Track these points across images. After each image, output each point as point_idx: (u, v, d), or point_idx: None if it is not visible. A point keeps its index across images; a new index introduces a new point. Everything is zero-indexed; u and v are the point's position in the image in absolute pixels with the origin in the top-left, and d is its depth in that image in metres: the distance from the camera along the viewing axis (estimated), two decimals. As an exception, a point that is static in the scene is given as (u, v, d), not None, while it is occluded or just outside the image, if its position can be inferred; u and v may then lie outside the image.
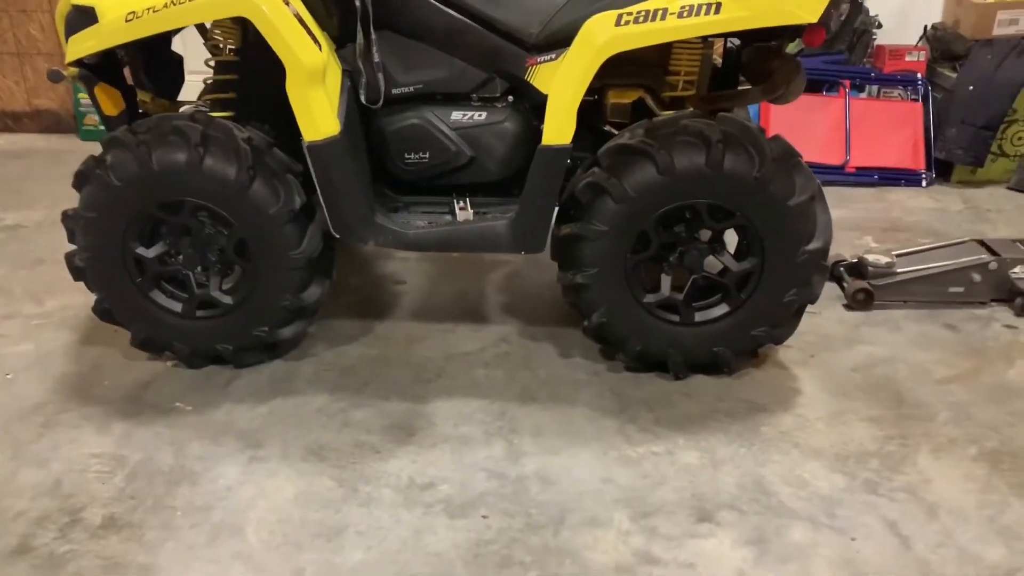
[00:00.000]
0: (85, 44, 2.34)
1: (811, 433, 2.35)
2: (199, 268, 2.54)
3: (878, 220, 3.84)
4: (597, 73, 2.42)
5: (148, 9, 2.26)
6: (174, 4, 2.24)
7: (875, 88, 4.39)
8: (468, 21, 2.50)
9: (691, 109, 2.51)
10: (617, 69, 2.50)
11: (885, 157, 4.26)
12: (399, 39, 2.56)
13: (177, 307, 2.55)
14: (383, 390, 2.54)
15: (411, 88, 2.59)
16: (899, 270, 3.01)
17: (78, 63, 2.46)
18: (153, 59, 2.73)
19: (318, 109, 2.30)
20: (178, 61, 2.95)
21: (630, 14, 2.21)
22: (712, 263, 2.46)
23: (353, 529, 2.01)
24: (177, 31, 2.57)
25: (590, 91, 2.57)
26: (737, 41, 2.71)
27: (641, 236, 2.39)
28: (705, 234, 2.44)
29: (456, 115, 2.59)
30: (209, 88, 2.75)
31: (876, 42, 4.50)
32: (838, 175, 4.23)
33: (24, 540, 1.97)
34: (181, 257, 2.52)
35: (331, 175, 2.38)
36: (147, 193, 2.39)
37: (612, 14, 2.22)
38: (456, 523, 2.03)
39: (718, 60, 2.76)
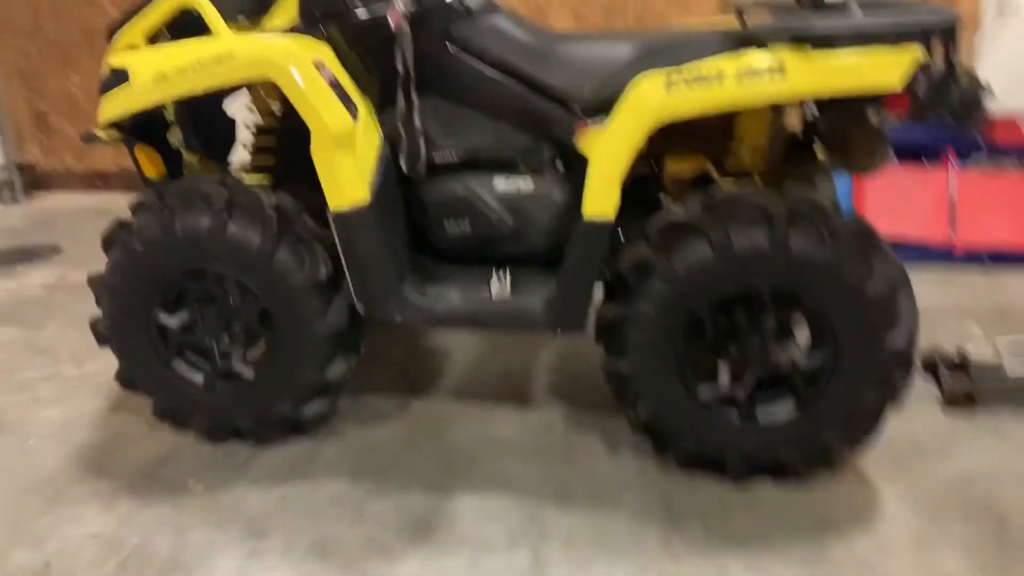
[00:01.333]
0: (116, 105, 2.28)
1: (891, 560, 1.99)
2: (224, 339, 2.40)
3: (986, 306, 3.42)
4: (653, 139, 2.21)
5: (177, 71, 2.18)
6: (201, 67, 2.15)
7: (985, 160, 3.98)
8: (514, 84, 2.33)
9: (758, 182, 2.25)
10: (676, 135, 2.29)
11: (996, 236, 3.83)
12: (442, 103, 2.40)
13: (199, 378, 2.42)
14: (406, 478, 2.32)
15: (453, 155, 2.42)
16: (1008, 368, 2.61)
17: (116, 125, 2.41)
18: (203, 120, 2.67)
19: (344, 176, 2.16)
20: (230, 122, 2.88)
21: (680, 74, 1.98)
22: (779, 355, 2.16)
23: (344, 644, 1.78)
24: (229, 92, 2.50)
25: (647, 159, 2.36)
26: (814, 109, 2.44)
27: (695, 322, 2.12)
28: (770, 321, 2.15)
29: (500, 183, 2.40)
30: (251, 151, 2.67)
31: (987, 110, 4.10)
32: (941, 255, 3.82)
33: (-4, 631, 1.82)
34: (205, 326, 2.40)
35: (357, 245, 2.22)
36: (170, 259, 2.29)
37: (661, 75, 2.00)
38: (460, 646, 1.77)
39: (795, 127, 2.49)
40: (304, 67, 2.11)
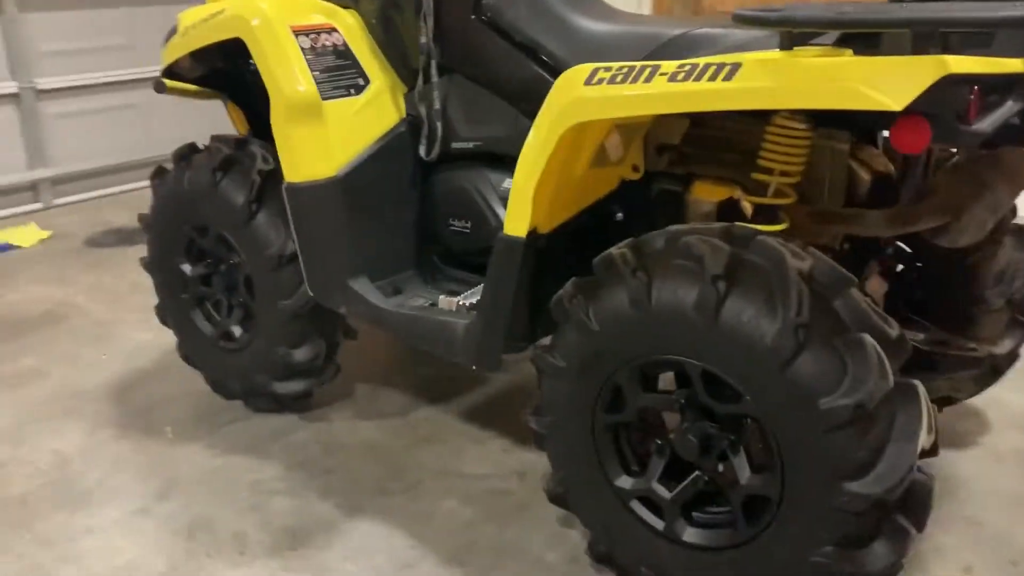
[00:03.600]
0: (165, 55, 2.38)
1: None
2: (227, 299, 2.42)
3: None
4: (679, 156, 1.80)
5: (191, 26, 2.20)
6: (202, 23, 2.15)
7: None
8: (540, 69, 1.98)
9: (781, 225, 1.66)
10: (709, 152, 1.80)
11: None
12: (468, 85, 2.14)
13: (208, 331, 2.46)
14: (335, 486, 2.13)
15: (471, 144, 2.15)
16: None
17: (172, 75, 2.46)
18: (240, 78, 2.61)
19: (300, 147, 2.01)
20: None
21: (608, 70, 1.50)
22: (710, 462, 1.58)
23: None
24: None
25: (675, 178, 1.88)
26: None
27: (615, 389, 1.63)
28: (699, 411, 1.57)
29: (508, 184, 2.07)
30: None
31: None
32: None
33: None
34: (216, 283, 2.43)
35: (309, 224, 2.07)
36: (181, 212, 2.35)
37: (587, 68, 1.53)
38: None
39: (887, 166, 1.78)
40: (271, 30, 2.00)
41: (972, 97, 1.27)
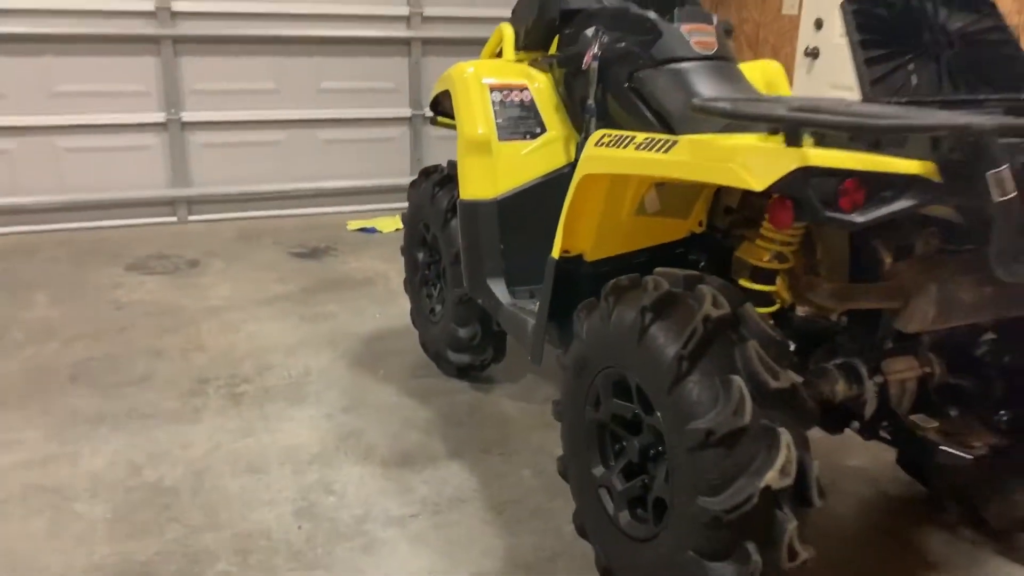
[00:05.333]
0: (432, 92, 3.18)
1: None
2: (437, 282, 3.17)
3: None
4: (741, 219, 2.12)
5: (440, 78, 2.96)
6: (440, 79, 2.90)
7: None
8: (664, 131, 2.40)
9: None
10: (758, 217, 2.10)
11: None
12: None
13: (429, 305, 3.23)
14: (455, 436, 2.74)
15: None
16: None
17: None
18: None
19: (471, 173, 2.63)
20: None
21: (609, 136, 1.89)
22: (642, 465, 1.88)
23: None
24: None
25: (734, 236, 2.19)
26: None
27: (597, 392, 2.00)
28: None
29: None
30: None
31: None
32: None
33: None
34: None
35: (469, 232, 2.68)
36: (419, 214, 3.14)
37: (600, 133, 1.93)
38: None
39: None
40: (468, 86, 2.65)
41: (842, 188, 1.47)
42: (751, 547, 1.60)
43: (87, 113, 4.92)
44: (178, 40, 5.00)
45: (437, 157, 5.67)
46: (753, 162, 1.52)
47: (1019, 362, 2.05)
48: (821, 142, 1.49)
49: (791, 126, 1.48)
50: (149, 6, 4.88)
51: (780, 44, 5.08)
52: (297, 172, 5.48)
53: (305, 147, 5.49)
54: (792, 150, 1.47)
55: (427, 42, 5.60)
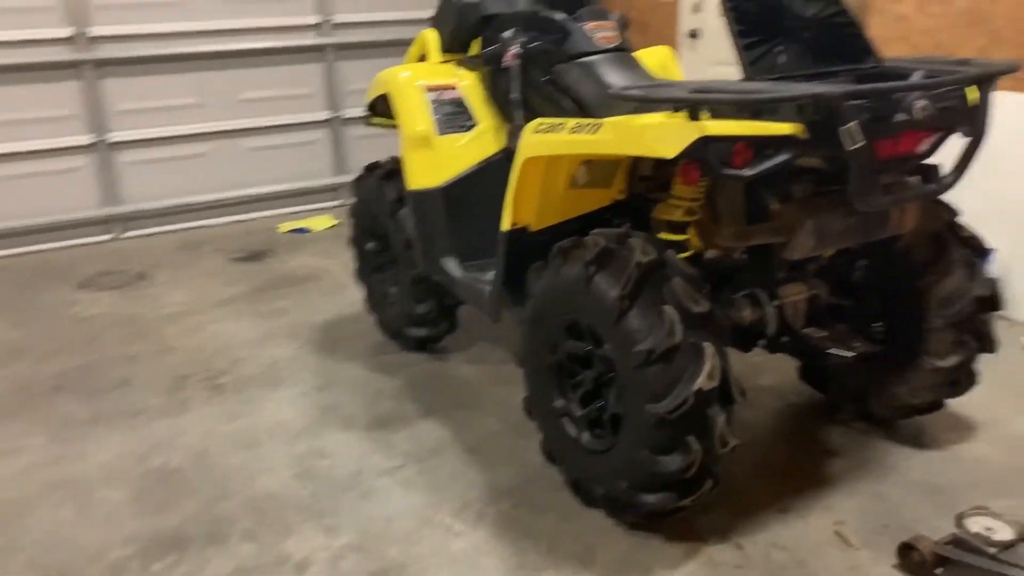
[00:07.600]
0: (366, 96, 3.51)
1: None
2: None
3: None
4: (654, 184, 2.50)
5: (372, 83, 3.30)
6: (375, 82, 3.23)
7: None
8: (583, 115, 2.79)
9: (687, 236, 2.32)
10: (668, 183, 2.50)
11: None
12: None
13: (382, 291, 3.56)
14: (425, 400, 3.10)
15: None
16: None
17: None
18: None
19: (416, 166, 2.99)
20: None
21: (543, 125, 2.29)
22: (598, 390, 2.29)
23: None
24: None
25: (651, 200, 2.59)
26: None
27: (553, 338, 2.40)
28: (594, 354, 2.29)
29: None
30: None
31: None
32: None
33: (187, 371, 3.37)
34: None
35: (420, 218, 3.03)
36: (368, 204, 3.47)
37: (537, 122, 2.32)
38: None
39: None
40: (404, 88, 3.00)
41: (734, 150, 1.90)
42: (691, 440, 2.03)
43: (13, 141, 5.02)
44: (99, 64, 5.14)
45: (359, 156, 5.95)
46: (664, 136, 1.93)
47: (887, 284, 2.55)
48: (715, 115, 1.92)
49: (692, 105, 1.90)
50: (67, 33, 5.01)
51: (663, 28, 5.58)
52: (226, 181, 5.69)
53: (231, 156, 5.70)
54: (694, 124, 1.89)
55: (340, 47, 5.87)
